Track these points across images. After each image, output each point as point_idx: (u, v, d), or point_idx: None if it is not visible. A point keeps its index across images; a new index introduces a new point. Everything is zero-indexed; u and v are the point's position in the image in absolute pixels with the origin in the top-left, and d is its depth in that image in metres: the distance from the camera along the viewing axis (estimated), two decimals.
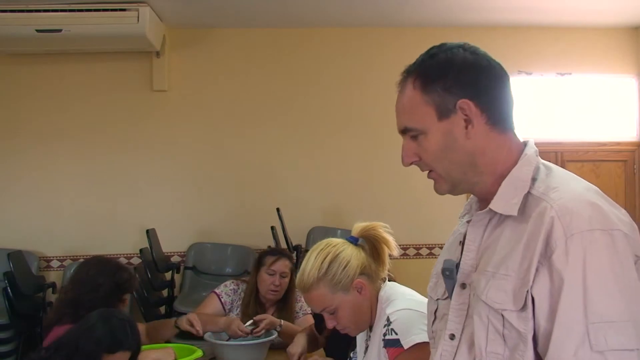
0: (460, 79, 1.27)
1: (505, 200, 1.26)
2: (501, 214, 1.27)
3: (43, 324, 2.75)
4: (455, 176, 1.32)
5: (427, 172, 1.35)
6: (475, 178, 1.32)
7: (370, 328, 2.09)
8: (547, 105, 5.59)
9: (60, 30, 4.76)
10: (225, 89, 5.60)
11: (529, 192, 1.26)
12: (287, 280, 3.31)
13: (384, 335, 1.95)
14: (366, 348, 2.12)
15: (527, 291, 1.16)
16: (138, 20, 4.77)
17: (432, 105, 1.28)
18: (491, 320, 1.21)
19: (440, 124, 1.28)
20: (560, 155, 5.50)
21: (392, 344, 1.92)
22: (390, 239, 2.08)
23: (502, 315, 1.19)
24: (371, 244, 2.09)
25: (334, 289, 1.99)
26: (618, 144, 5.70)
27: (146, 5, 4.80)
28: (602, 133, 5.69)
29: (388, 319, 1.95)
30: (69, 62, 5.47)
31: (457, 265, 1.34)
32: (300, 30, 5.63)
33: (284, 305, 3.34)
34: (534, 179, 1.28)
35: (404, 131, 1.34)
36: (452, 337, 1.30)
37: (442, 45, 1.32)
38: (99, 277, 2.74)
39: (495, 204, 1.27)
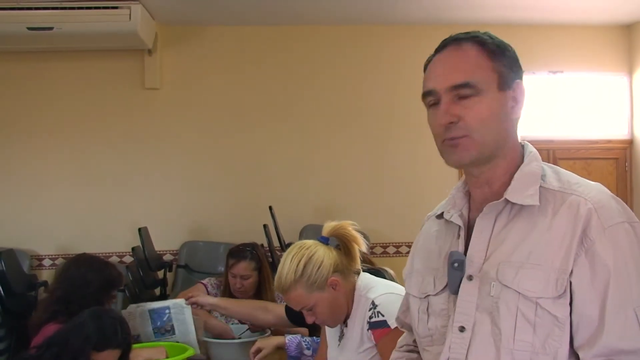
0: (515, 62, 1.36)
1: (520, 192, 1.31)
2: (513, 206, 1.31)
3: (30, 323, 2.74)
4: (490, 146, 1.32)
5: (451, 140, 1.32)
6: (499, 156, 1.35)
7: (347, 316, 2.20)
8: (539, 104, 5.60)
9: (51, 28, 4.75)
10: (217, 86, 5.59)
11: (541, 186, 1.31)
12: (250, 280, 3.39)
13: (370, 318, 2.08)
14: (341, 335, 2.23)
15: (566, 278, 1.22)
16: (130, 18, 4.76)
17: (497, 73, 1.33)
18: (520, 309, 1.24)
19: (499, 93, 1.32)
20: (552, 153, 5.52)
21: (378, 326, 2.05)
22: (359, 235, 2.18)
23: (537, 303, 1.23)
24: (341, 242, 2.18)
25: (310, 289, 2.09)
26: (609, 141, 5.72)
27: (138, 3, 4.78)
28: (594, 131, 5.71)
29: (373, 303, 2.08)
30: (60, 60, 5.45)
31: None
32: (292, 28, 5.63)
33: (260, 299, 3.38)
34: (542, 175, 1.34)
35: (460, 86, 1.31)
36: (462, 329, 1.31)
37: (487, 32, 1.39)
38: (89, 273, 2.74)
39: (512, 195, 1.31)
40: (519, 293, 1.24)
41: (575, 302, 1.22)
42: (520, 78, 1.36)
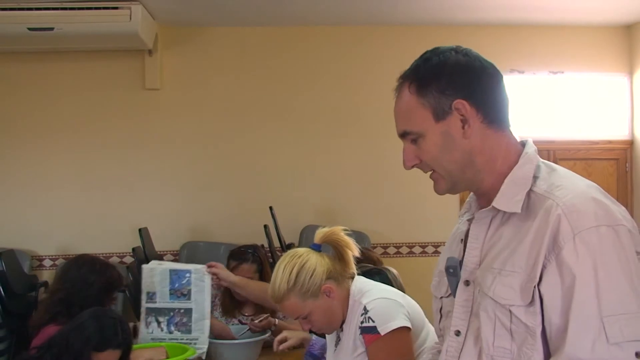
0: (454, 80, 1.31)
1: (508, 198, 1.29)
2: (505, 212, 1.30)
3: (31, 323, 2.74)
4: (454, 175, 1.35)
5: (429, 173, 1.39)
6: (474, 176, 1.34)
7: (343, 321, 2.20)
8: (539, 104, 5.59)
9: (52, 29, 4.74)
10: (217, 87, 5.59)
11: (531, 190, 1.29)
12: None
13: (362, 323, 2.07)
14: (337, 340, 2.24)
15: (534, 287, 1.20)
16: (130, 19, 4.75)
17: (429, 107, 1.32)
18: (498, 316, 1.24)
19: (438, 125, 1.32)
20: (553, 153, 5.52)
21: (368, 331, 2.05)
22: (351, 240, 2.17)
23: (510, 311, 1.23)
24: (334, 248, 2.18)
25: (304, 297, 2.10)
26: (610, 142, 5.72)
27: (138, 4, 4.78)
28: (594, 131, 5.71)
29: (365, 308, 2.08)
30: (61, 61, 5.45)
31: (460, 263, 1.37)
32: (293, 29, 5.63)
33: None
34: (535, 177, 1.31)
35: (403, 135, 1.37)
36: (457, 333, 1.34)
37: (435, 50, 1.36)
38: (91, 275, 2.74)
39: (499, 202, 1.30)
40: (494, 300, 1.24)
41: (545, 311, 1.20)
42: (464, 94, 1.30)
